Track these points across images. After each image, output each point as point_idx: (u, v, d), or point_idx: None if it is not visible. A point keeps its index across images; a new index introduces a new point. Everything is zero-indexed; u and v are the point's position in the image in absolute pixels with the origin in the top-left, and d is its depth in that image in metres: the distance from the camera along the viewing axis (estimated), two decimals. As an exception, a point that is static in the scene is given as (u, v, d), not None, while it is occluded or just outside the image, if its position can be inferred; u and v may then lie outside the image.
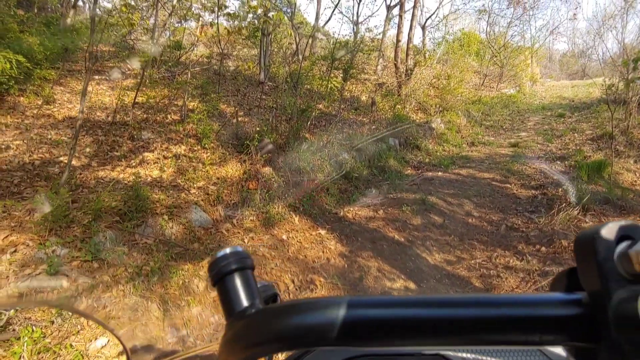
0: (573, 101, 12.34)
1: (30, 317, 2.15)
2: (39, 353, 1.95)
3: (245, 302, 0.35)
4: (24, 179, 3.44)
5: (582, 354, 0.28)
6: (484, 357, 0.69)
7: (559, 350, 0.65)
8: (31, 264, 2.49)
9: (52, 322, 2.15)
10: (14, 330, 2.01)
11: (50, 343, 2.02)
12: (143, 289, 2.51)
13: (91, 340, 2.08)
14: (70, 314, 2.14)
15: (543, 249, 3.39)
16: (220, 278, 0.37)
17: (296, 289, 2.83)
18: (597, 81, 7.51)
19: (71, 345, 2.03)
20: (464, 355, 0.69)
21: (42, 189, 3.26)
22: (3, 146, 3.78)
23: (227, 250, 0.38)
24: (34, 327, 2.08)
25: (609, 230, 0.27)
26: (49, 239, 2.71)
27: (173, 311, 2.41)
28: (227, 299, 0.36)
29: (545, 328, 0.27)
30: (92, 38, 3.13)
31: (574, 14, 27.26)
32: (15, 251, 2.53)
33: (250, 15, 5.04)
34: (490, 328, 0.27)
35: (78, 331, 2.11)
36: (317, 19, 11.20)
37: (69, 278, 2.47)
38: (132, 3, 5.84)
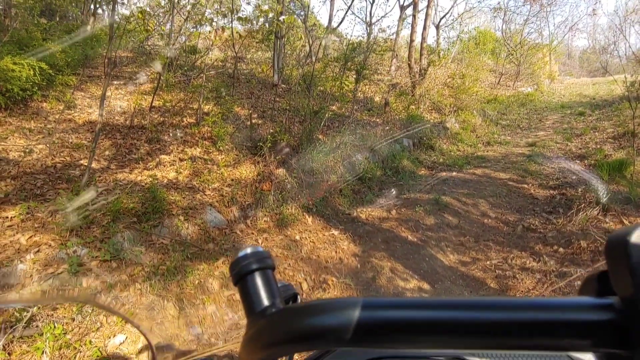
0: (594, 99, 12.01)
1: (52, 314, 2.23)
2: (60, 349, 2.03)
3: (266, 302, 0.36)
4: (46, 181, 3.56)
5: None
6: None
7: (588, 356, 0.62)
8: (53, 263, 2.58)
9: (73, 319, 2.22)
10: (37, 326, 2.09)
11: (71, 339, 2.09)
12: (159, 288, 2.57)
13: (110, 337, 2.14)
14: (90, 310, 2.22)
15: (561, 249, 3.31)
16: (241, 277, 0.37)
17: (309, 289, 2.85)
18: (619, 78, 7.29)
19: (91, 342, 2.10)
20: (487, 359, 0.67)
21: (63, 192, 3.37)
22: (27, 150, 3.92)
23: (248, 250, 0.39)
24: (55, 323, 2.16)
25: None
26: (70, 239, 2.81)
27: (188, 309, 2.46)
28: (248, 298, 0.36)
29: (574, 333, 0.26)
30: (110, 44, 3.23)
31: (594, 10, 26.55)
32: (38, 251, 2.63)
33: (262, 20, 5.10)
34: (516, 332, 0.26)
35: (98, 328, 2.18)
36: (330, 20, 11.22)
37: (89, 277, 2.55)
38: (149, 10, 5.98)
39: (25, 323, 2.05)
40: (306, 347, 0.30)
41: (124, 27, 5.61)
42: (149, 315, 2.34)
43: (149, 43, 7.85)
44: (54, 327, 2.13)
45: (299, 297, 0.47)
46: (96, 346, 2.09)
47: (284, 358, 0.54)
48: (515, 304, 0.27)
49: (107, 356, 2.08)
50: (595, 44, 27.10)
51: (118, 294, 2.42)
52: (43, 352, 1.96)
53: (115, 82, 6.28)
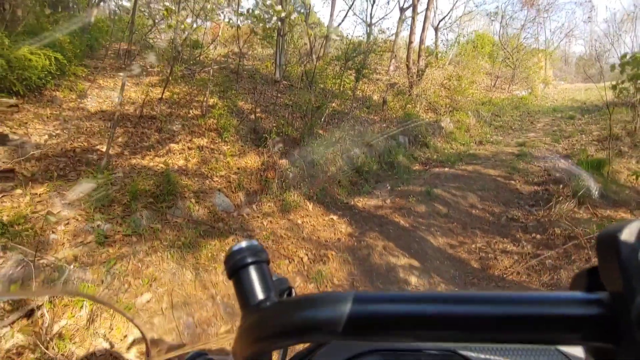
0: (585, 104, 12.42)
1: (82, 277, 2.52)
2: (94, 304, 2.31)
3: (260, 295, 0.36)
4: (67, 163, 3.84)
5: (602, 355, 0.27)
6: (500, 356, 0.67)
7: (578, 350, 0.62)
8: (81, 234, 2.87)
9: (102, 281, 2.51)
10: (73, 284, 2.38)
11: (103, 297, 2.38)
12: (178, 258, 2.88)
13: (137, 296, 2.43)
14: (117, 272, 2.50)
15: (538, 236, 3.66)
16: (236, 271, 0.37)
17: (310, 262, 3.17)
18: (608, 84, 7.66)
19: (121, 300, 2.39)
20: (480, 353, 0.68)
21: (84, 173, 3.65)
22: (47, 135, 4.19)
23: (243, 243, 0.39)
24: (88, 284, 2.45)
25: (632, 229, 0.25)
26: (94, 215, 3.09)
27: (203, 275, 2.77)
28: (243, 292, 0.36)
29: (564, 327, 0.26)
30: (131, 37, 3.50)
31: (589, 17, 27.03)
32: (67, 223, 2.92)
33: (274, 19, 5.39)
34: (507, 325, 0.26)
35: (126, 289, 2.48)
36: (331, 20, 11.51)
37: (114, 247, 2.84)
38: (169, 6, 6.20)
39: (63, 280, 2.34)
40: (300, 340, 0.31)
41: (132, 20, 5.84)
42: (171, 278, 2.63)
43: (158, 37, 8.07)
44: (87, 287, 2.42)
45: (293, 290, 0.46)
46: (126, 304, 2.38)
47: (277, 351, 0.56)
48: (506, 298, 0.27)
49: (110, 348, 2.24)
50: (591, 50, 27.58)
51: (143, 258, 2.72)
52: (82, 306, 2.25)
53: (121, 74, 6.53)
